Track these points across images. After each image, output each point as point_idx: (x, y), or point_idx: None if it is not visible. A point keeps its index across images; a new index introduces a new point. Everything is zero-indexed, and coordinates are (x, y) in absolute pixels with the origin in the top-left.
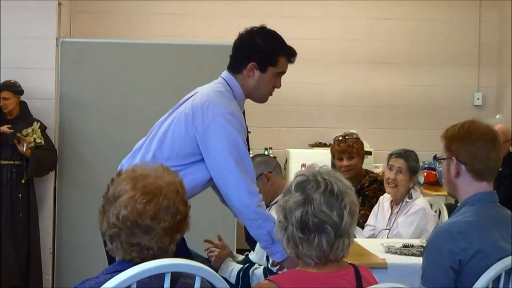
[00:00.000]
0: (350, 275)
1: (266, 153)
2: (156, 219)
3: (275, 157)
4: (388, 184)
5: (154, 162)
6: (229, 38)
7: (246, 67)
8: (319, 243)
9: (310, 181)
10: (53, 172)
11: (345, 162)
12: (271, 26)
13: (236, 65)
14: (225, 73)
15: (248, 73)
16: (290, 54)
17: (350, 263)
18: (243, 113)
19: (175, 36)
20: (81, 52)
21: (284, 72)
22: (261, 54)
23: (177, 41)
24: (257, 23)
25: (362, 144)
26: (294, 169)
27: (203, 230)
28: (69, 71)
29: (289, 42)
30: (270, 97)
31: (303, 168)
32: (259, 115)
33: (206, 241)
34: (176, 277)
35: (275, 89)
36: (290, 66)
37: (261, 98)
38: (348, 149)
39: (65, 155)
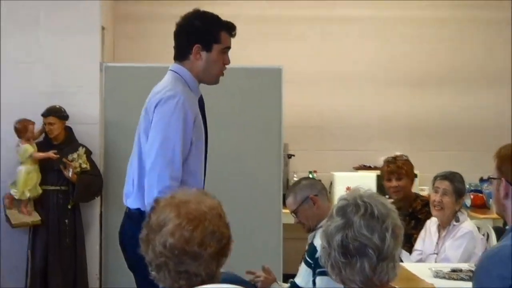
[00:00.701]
0: None
1: (311, 176)
2: (203, 245)
3: (320, 180)
4: (434, 206)
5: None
6: (270, 61)
7: (192, 51)
8: (361, 267)
9: (350, 204)
10: (99, 197)
11: (393, 183)
12: (314, 47)
13: (181, 52)
14: (172, 65)
15: (195, 56)
16: (229, 27)
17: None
18: (201, 98)
19: None
20: (124, 76)
21: (229, 48)
22: (203, 34)
23: None
24: (296, 45)
25: (411, 166)
26: (339, 192)
27: (248, 254)
28: (113, 96)
29: (329, 63)
30: (313, 120)
31: (347, 192)
32: (304, 138)
33: (248, 272)
34: None
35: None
36: (334, 90)
37: (213, 78)
38: (397, 170)
39: (111, 180)
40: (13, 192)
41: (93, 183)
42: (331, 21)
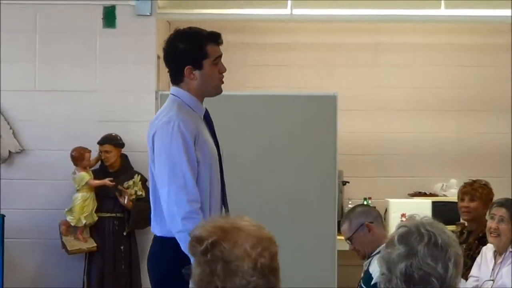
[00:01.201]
0: None
1: (365, 203)
2: (276, 260)
3: (375, 207)
4: (491, 233)
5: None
6: (324, 88)
7: (184, 73)
8: None
9: (413, 232)
10: None
11: (465, 203)
12: (365, 74)
13: (175, 77)
14: (172, 89)
15: (189, 77)
16: (214, 38)
17: None
18: (207, 113)
19: (268, 87)
20: None
21: (220, 56)
22: (190, 55)
23: (272, 92)
24: (350, 73)
25: (488, 191)
26: (393, 219)
27: (303, 281)
28: None
29: (383, 90)
30: (368, 146)
31: (403, 219)
32: (358, 165)
33: None
34: None
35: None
36: (388, 117)
37: (213, 89)
38: (471, 191)
39: None
40: (69, 219)
41: (148, 210)
42: (386, 48)
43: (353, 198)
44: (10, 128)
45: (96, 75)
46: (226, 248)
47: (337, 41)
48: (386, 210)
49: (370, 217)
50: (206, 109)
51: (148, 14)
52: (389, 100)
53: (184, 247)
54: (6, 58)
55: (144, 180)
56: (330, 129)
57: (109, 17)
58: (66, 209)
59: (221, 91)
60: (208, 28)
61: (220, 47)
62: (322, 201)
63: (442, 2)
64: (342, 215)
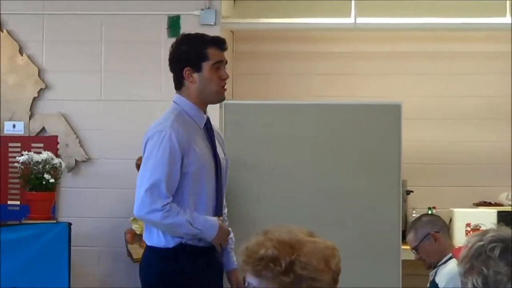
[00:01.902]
0: None
1: (429, 212)
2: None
3: (440, 217)
4: None
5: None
6: (388, 97)
7: (184, 75)
8: None
9: None
10: None
11: None
12: (429, 83)
13: (177, 81)
14: (174, 96)
15: (189, 80)
16: (217, 42)
17: None
18: (208, 121)
19: (332, 96)
20: (243, 113)
21: (221, 61)
22: (190, 56)
23: (337, 101)
24: (414, 81)
25: None
26: (458, 229)
27: (365, 282)
28: (232, 133)
29: (447, 99)
30: (432, 156)
31: (467, 228)
32: (422, 174)
33: None
34: None
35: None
36: (452, 126)
37: (214, 96)
38: None
39: (230, 218)
40: (135, 227)
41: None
42: (450, 57)
43: (417, 207)
44: (76, 137)
45: (161, 84)
46: (307, 264)
47: (401, 50)
48: (450, 220)
49: (436, 227)
50: (208, 118)
51: (213, 23)
52: (454, 109)
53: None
54: (72, 69)
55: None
56: (394, 138)
57: (174, 27)
58: (132, 218)
59: (223, 98)
60: (274, 36)
61: (285, 57)
62: (386, 210)
63: (508, 10)
64: (406, 225)
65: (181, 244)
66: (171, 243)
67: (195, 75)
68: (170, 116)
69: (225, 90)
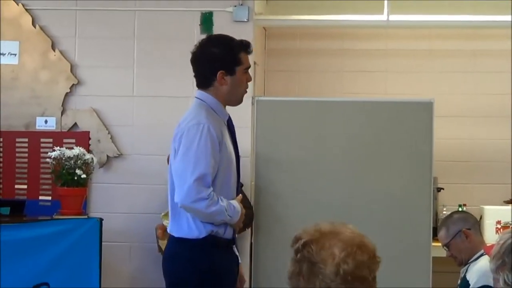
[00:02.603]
0: None
1: (460, 209)
2: (369, 269)
3: (471, 214)
4: None
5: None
6: (420, 94)
7: (216, 77)
8: None
9: None
10: (250, 229)
11: None
12: (461, 80)
13: (205, 80)
14: (197, 92)
15: (220, 82)
16: (245, 47)
17: None
18: (229, 118)
19: (364, 93)
20: (275, 110)
21: (249, 66)
22: (224, 60)
23: (368, 98)
24: (446, 79)
25: None
26: (489, 226)
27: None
28: (264, 129)
29: (479, 97)
30: (463, 153)
31: (498, 225)
32: (453, 172)
33: None
34: None
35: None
36: (484, 124)
37: (238, 98)
38: None
39: (261, 212)
40: (165, 223)
41: (245, 215)
42: (483, 54)
43: (447, 204)
44: (108, 133)
45: (193, 81)
46: (313, 250)
47: (434, 47)
48: (481, 217)
49: (468, 224)
50: (229, 116)
51: (245, 20)
52: (486, 106)
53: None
54: (104, 64)
55: (240, 186)
56: (426, 135)
57: (207, 23)
58: (163, 213)
59: (241, 101)
60: (306, 33)
61: (316, 54)
62: (417, 207)
63: None
64: (437, 222)
65: (210, 235)
66: (202, 233)
67: (228, 78)
68: (201, 111)
69: (246, 92)
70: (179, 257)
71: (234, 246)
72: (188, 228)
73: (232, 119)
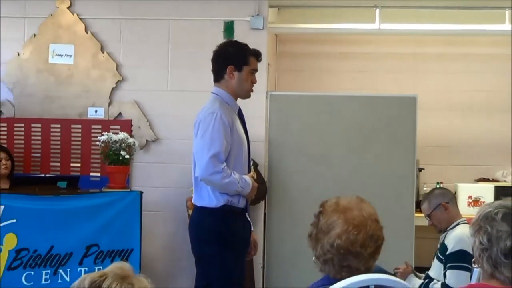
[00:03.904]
0: None
1: (438, 186)
2: (364, 246)
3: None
4: None
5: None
6: (406, 90)
7: (226, 71)
8: None
9: None
10: (264, 201)
11: None
12: (441, 79)
13: (218, 74)
14: (213, 88)
15: (229, 76)
16: (256, 53)
17: None
18: (240, 110)
19: (359, 89)
20: (285, 102)
21: (256, 70)
22: (235, 57)
23: (362, 93)
24: (428, 78)
25: None
26: (462, 201)
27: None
28: (276, 119)
29: (455, 93)
30: (441, 139)
31: (469, 200)
32: (432, 155)
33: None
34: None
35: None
36: (459, 115)
37: (245, 93)
38: None
39: (273, 187)
40: None
41: (259, 190)
42: (457, 58)
43: (427, 182)
44: (147, 121)
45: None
46: (321, 221)
47: (418, 51)
48: (455, 193)
49: (446, 198)
50: (240, 107)
51: (261, 28)
52: (460, 101)
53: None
54: (144, 64)
55: (256, 165)
56: (410, 125)
57: (228, 30)
58: (192, 188)
59: (249, 96)
60: (310, 39)
61: (319, 56)
62: (403, 184)
63: (507, 18)
64: (419, 196)
65: (226, 205)
66: (220, 202)
67: (235, 73)
68: (215, 103)
69: (252, 90)
70: (202, 222)
71: (247, 214)
72: (208, 198)
73: (249, 110)
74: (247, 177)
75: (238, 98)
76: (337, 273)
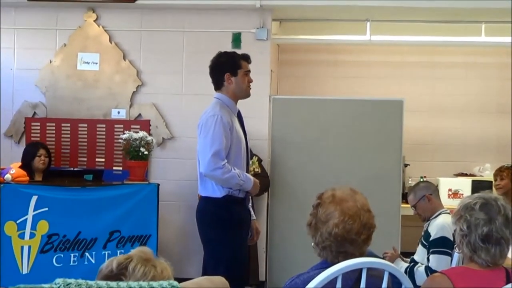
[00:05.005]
0: (502, 274)
1: (421, 180)
2: (358, 234)
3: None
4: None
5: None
6: (394, 94)
7: (224, 78)
8: (495, 253)
9: (493, 205)
10: (267, 193)
11: (497, 182)
12: (424, 84)
13: (218, 83)
14: (215, 94)
15: (228, 82)
16: (245, 57)
17: (502, 266)
18: (239, 113)
19: (354, 93)
20: (286, 105)
21: (249, 70)
22: (228, 65)
23: (355, 97)
24: (413, 83)
25: None
26: (443, 193)
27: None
28: (278, 119)
29: (437, 97)
30: (424, 138)
31: (449, 192)
32: (417, 152)
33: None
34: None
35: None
36: (442, 116)
37: (244, 93)
38: (499, 173)
39: (275, 180)
40: None
41: (263, 182)
42: (440, 65)
43: (412, 176)
44: (164, 121)
45: None
46: (320, 212)
47: (404, 60)
48: (437, 186)
49: (430, 190)
50: (239, 110)
51: (265, 39)
52: (442, 104)
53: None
54: (161, 71)
55: (260, 160)
56: (397, 125)
57: (236, 41)
58: None
59: (249, 94)
60: (308, 48)
61: (317, 64)
62: (390, 178)
63: (482, 31)
64: (404, 189)
65: (228, 195)
66: (222, 193)
67: (233, 78)
68: (216, 106)
69: (250, 89)
70: (206, 210)
71: (251, 207)
72: (212, 189)
73: (255, 112)
74: (246, 173)
75: (240, 100)
76: (334, 258)
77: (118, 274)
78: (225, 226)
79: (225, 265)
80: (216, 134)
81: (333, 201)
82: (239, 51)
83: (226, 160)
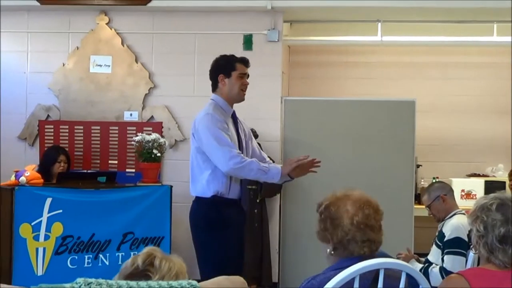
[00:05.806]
0: None
1: (434, 181)
2: (375, 219)
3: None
4: None
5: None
6: (406, 95)
7: (218, 79)
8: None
9: (510, 206)
10: (279, 194)
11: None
12: (437, 85)
13: (213, 84)
14: (211, 95)
15: (221, 83)
16: (242, 60)
17: None
18: (234, 114)
19: (366, 94)
20: (297, 106)
21: (245, 74)
22: (223, 67)
23: (366, 98)
24: (426, 84)
25: None
26: (456, 194)
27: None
28: (290, 120)
29: (450, 97)
30: (437, 138)
31: (462, 193)
32: (429, 152)
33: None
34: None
35: None
36: (454, 116)
37: (237, 96)
38: None
39: (288, 182)
40: None
41: (275, 184)
42: (452, 65)
43: (425, 177)
44: (176, 123)
45: None
46: (333, 210)
47: (416, 60)
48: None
49: (445, 191)
50: (234, 111)
51: (276, 40)
52: (454, 104)
53: (251, 177)
54: (173, 73)
55: (272, 162)
56: (409, 125)
57: (248, 42)
58: None
59: (243, 99)
60: (319, 50)
61: (328, 65)
62: (403, 179)
63: (494, 30)
64: (417, 190)
65: (216, 195)
66: (211, 192)
67: (226, 80)
68: (210, 106)
69: (244, 93)
70: (196, 210)
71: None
72: (201, 189)
73: (267, 113)
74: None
75: (253, 102)
76: (360, 249)
77: (144, 270)
78: (212, 225)
79: (217, 267)
80: (216, 131)
81: (339, 198)
82: (250, 53)
83: (237, 148)
